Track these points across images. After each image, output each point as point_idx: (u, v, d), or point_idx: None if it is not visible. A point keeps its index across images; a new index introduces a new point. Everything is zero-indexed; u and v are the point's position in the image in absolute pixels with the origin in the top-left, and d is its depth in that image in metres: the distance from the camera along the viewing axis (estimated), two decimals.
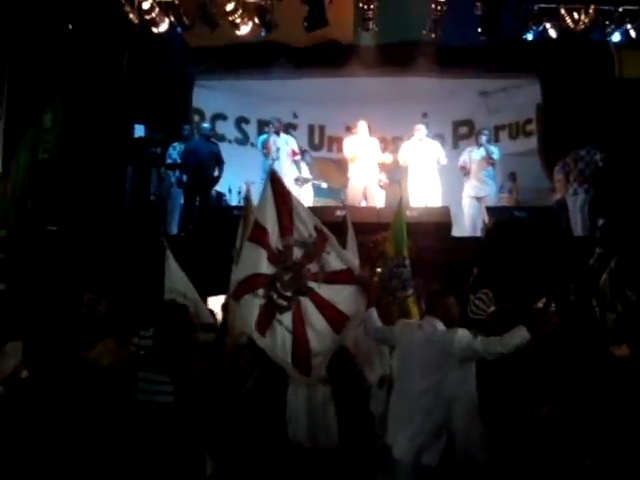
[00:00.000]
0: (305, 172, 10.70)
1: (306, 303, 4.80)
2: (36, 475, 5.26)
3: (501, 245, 8.14)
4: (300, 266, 4.85)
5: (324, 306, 4.80)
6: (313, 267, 4.87)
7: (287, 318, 4.75)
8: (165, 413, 5.57)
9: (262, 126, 12.67)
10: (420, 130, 10.32)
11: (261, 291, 4.73)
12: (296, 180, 10.41)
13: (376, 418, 5.21)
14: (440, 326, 4.37)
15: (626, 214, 9.21)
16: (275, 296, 4.75)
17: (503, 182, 11.33)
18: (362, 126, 10.13)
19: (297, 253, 4.87)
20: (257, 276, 4.76)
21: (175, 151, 10.36)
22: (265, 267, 4.78)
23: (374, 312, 4.81)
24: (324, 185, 11.09)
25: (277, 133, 10.15)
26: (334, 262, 4.90)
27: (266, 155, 10.01)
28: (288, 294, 4.78)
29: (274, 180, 5.03)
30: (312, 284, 4.84)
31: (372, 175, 10.13)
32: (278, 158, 9.99)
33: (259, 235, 4.84)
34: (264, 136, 10.24)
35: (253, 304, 4.69)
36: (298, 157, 10.42)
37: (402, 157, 10.33)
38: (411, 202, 9.87)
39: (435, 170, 10.20)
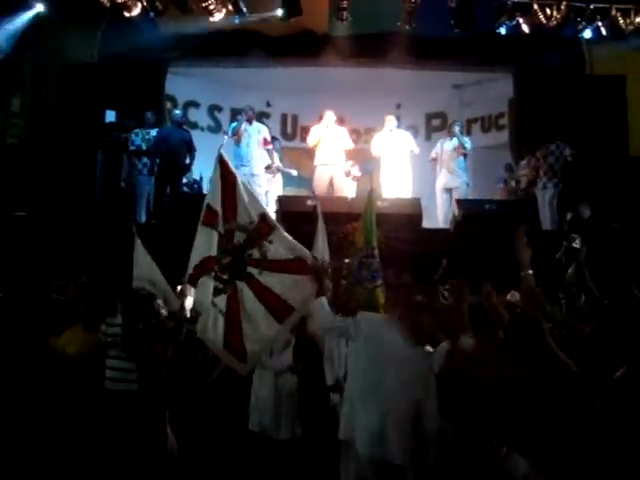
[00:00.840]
0: (276, 160, 10.67)
1: (243, 288, 4.69)
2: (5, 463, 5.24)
3: (470, 237, 8.21)
4: (241, 250, 4.76)
5: (263, 294, 4.66)
6: (255, 253, 4.74)
7: (222, 301, 4.69)
8: (131, 401, 5.56)
9: (235, 114, 12.57)
10: (390, 121, 10.35)
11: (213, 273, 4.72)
12: (267, 168, 10.38)
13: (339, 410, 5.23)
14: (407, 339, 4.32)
15: (594, 208, 9.35)
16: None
17: (500, 173, 11.43)
18: (329, 116, 10.11)
19: (239, 237, 4.78)
20: (211, 258, 4.76)
21: (138, 137, 10.18)
22: (215, 250, 4.78)
23: (325, 301, 4.65)
24: (294, 173, 11.07)
25: (249, 121, 10.08)
26: (278, 251, 4.76)
27: (236, 142, 9.96)
28: (225, 277, 4.72)
29: (222, 163, 5.01)
30: (252, 270, 4.71)
31: (338, 164, 10.13)
32: (248, 145, 9.95)
33: (210, 218, 4.85)
34: (235, 123, 10.19)
35: (209, 287, 4.70)
36: (270, 146, 10.38)
37: (374, 148, 10.36)
38: (383, 193, 9.90)
39: (407, 161, 10.24)
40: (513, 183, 10.81)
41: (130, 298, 5.14)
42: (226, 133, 10.98)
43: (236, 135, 9.92)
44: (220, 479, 5.34)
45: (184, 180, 10.45)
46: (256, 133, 10.10)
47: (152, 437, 5.20)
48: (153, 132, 10.19)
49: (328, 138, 10.04)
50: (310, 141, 10.18)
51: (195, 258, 4.81)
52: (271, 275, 4.69)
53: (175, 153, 9.85)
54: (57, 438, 5.45)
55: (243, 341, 4.60)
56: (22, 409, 5.61)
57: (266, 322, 4.64)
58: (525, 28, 10.25)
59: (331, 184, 9.99)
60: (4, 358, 5.94)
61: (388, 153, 10.22)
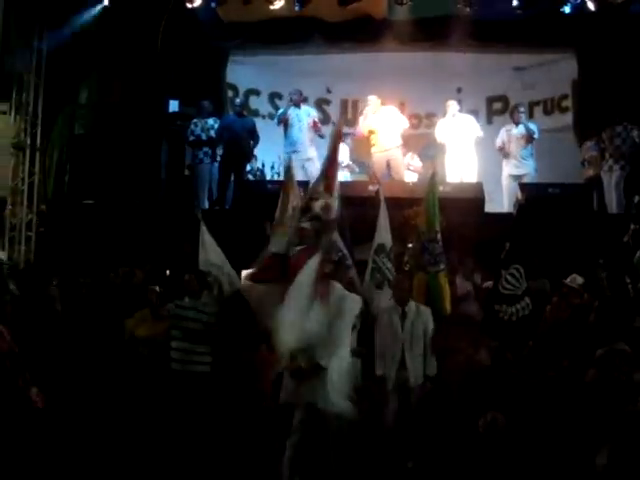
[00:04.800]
0: (344, 154, 10.54)
1: None
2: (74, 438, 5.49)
3: (533, 221, 8.11)
4: None
5: None
6: None
7: None
8: (202, 382, 5.75)
9: None
10: (452, 106, 10.26)
11: None
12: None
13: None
14: None
15: None
16: None
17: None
18: (372, 101, 10.08)
19: None
20: None
21: (198, 128, 10.25)
22: None
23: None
24: (357, 170, 11.09)
25: (297, 105, 10.11)
26: None
27: (285, 128, 10.02)
28: None
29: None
30: None
31: (394, 147, 10.04)
32: (300, 130, 9.96)
33: None
34: (281, 110, 10.22)
35: None
36: (321, 130, 10.33)
37: (438, 134, 10.28)
38: (447, 178, 9.82)
39: (471, 146, 10.15)
40: (586, 163, 10.46)
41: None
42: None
43: (282, 122, 9.97)
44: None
45: (248, 168, 10.58)
46: (306, 117, 10.08)
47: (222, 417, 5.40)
48: (211, 121, 10.29)
49: (378, 123, 10.00)
50: (358, 132, 10.33)
51: None
52: None
53: (239, 141, 9.97)
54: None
55: None
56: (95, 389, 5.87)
57: None
58: (591, 6, 9.98)
59: (388, 167, 9.96)
60: (73, 340, 6.22)
61: (452, 138, 10.13)
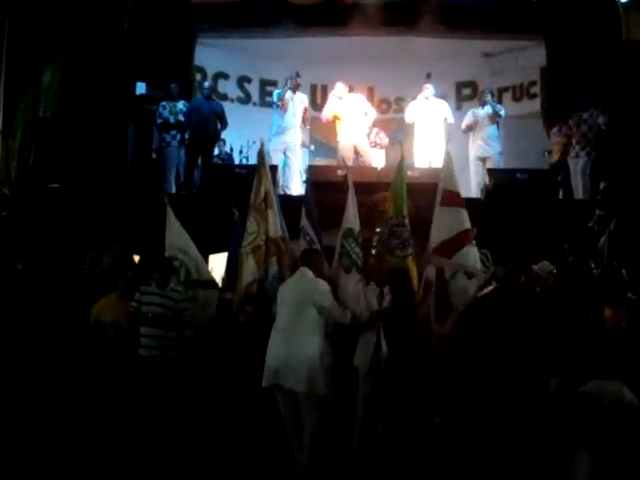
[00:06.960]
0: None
1: None
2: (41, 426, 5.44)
3: (501, 206, 8.16)
4: None
5: None
6: None
7: None
8: (170, 368, 5.71)
9: (264, 85, 12.59)
10: (428, 89, 10.30)
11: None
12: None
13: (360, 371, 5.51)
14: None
15: (628, 177, 9.19)
16: None
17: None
18: (339, 87, 10.11)
19: None
20: (467, 231, 5.75)
21: (166, 110, 10.17)
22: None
23: None
24: (312, 148, 11.11)
25: (294, 90, 10.07)
26: None
27: (281, 109, 9.93)
28: None
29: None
30: None
31: (360, 132, 10.08)
32: (294, 115, 9.97)
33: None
34: (280, 90, 10.14)
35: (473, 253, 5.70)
36: (308, 114, 10.35)
37: (409, 115, 10.30)
38: (416, 161, 9.84)
39: (441, 130, 10.19)
40: (546, 154, 10.62)
41: None
42: (255, 104, 10.89)
43: (281, 102, 9.91)
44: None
45: (216, 152, 10.49)
46: (300, 102, 10.11)
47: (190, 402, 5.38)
48: (180, 105, 10.21)
49: (344, 110, 10.01)
50: (323, 116, 10.25)
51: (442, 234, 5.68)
52: None
53: (206, 124, 9.89)
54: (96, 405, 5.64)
55: None
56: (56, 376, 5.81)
57: None
58: None
59: (356, 153, 9.96)
60: (37, 324, 6.14)
61: (422, 121, 10.16)
